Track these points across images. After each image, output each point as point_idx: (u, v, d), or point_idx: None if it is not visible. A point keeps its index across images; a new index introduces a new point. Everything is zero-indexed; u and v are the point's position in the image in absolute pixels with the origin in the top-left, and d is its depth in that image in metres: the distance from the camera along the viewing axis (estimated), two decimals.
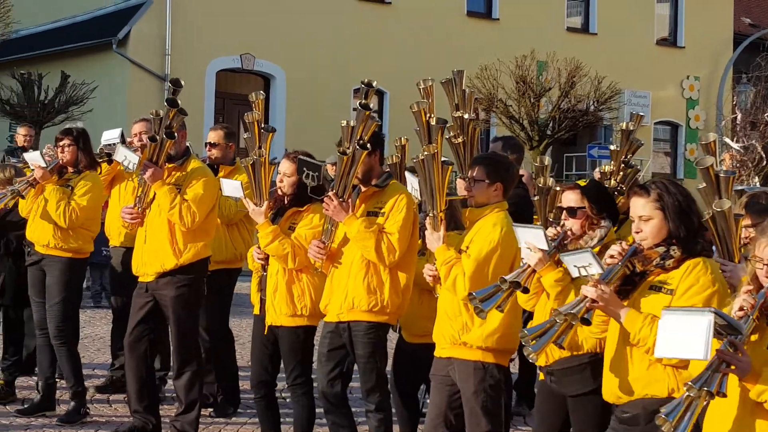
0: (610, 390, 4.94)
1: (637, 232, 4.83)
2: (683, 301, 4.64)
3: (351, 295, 6.62)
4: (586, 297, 4.70)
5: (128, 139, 8.88)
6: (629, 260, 4.78)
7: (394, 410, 7.03)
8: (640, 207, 4.83)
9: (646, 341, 4.60)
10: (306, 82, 27.59)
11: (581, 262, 4.85)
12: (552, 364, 5.59)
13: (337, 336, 6.76)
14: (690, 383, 4.04)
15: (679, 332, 4.13)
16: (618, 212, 5.89)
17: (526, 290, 5.40)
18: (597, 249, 5.32)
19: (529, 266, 5.39)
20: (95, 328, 12.59)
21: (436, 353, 6.25)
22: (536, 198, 6.54)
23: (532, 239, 5.38)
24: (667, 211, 4.79)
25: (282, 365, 7.27)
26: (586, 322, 4.76)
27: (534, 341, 4.87)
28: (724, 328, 4.10)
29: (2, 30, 23.08)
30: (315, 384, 7.16)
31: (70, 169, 8.34)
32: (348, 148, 6.53)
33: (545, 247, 5.34)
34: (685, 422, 4.03)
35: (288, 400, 7.52)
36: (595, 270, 4.79)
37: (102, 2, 27.78)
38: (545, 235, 5.37)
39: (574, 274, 4.94)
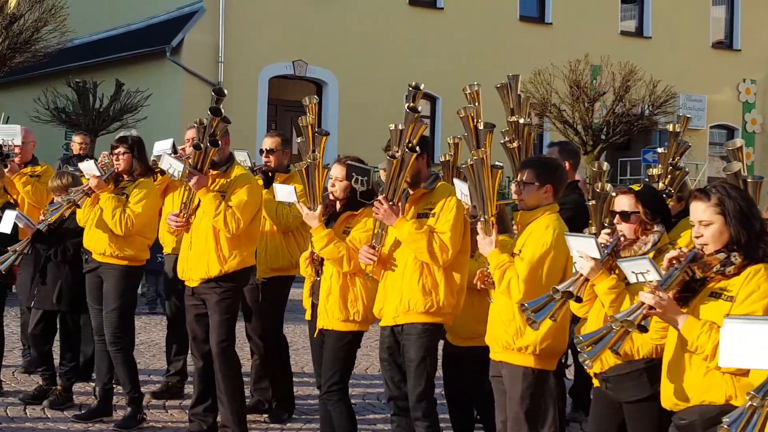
0: (668, 396, 4.88)
1: (697, 237, 4.75)
2: (743, 308, 4.55)
3: (406, 297, 6.60)
4: (644, 304, 4.65)
5: (180, 147, 8.94)
6: (688, 266, 4.71)
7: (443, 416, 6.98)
8: (701, 211, 4.76)
9: (704, 348, 4.54)
10: (358, 88, 27.61)
11: (639, 269, 4.80)
12: (607, 370, 5.54)
13: (395, 340, 6.74)
14: (753, 392, 3.97)
15: (743, 341, 4.07)
16: (671, 217, 5.83)
17: (579, 299, 5.36)
18: (651, 254, 5.27)
19: (582, 275, 5.34)
20: (150, 334, 12.67)
21: (491, 356, 6.23)
22: (592, 203, 6.49)
23: (584, 248, 5.33)
24: (727, 216, 4.71)
25: (322, 367, 7.23)
26: (643, 329, 4.71)
27: (589, 348, 4.82)
28: None
29: (58, 39, 23.31)
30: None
31: (125, 177, 8.40)
32: (397, 152, 6.53)
33: (597, 255, 5.29)
34: None
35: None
36: (653, 276, 4.74)
37: (156, 10, 28.01)
38: (597, 243, 5.31)
39: (632, 280, 4.89)
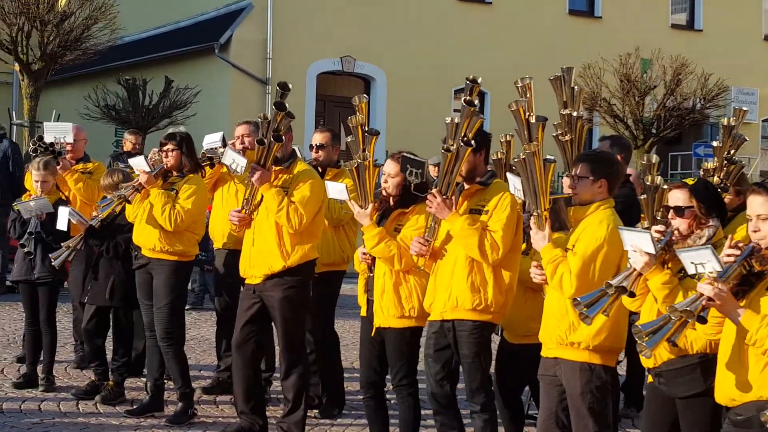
0: (724, 392, 4.82)
1: (755, 231, 4.70)
2: None
3: (455, 293, 6.57)
4: (703, 295, 4.60)
5: (230, 142, 8.96)
6: (746, 260, 4.65)
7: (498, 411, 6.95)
8: (759, 205, 4.70)
9: (763, 342, 4.49)
10: (406, 83, 27.58)
11: (699, 259, 4.73)
12: (660, 365, 5.48)
13: (442, 336, 6.71)
14: None
15: None
16: (726, 211, 5.75)
17: (632, 294, 5.31)
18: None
19: (635, 270, 5.28)
20: (200, 329, 12.73)
21: (543, 353, 6.19)
22: (643, 197, 6.43)
23: (638, 242, 5.26)
24: None
25: (389, 365, 7.24)
26: (702, 320, 4.67)
27: (648, 338, 4.78)
28: None
29: (108, 36, 23.49)
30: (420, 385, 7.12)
31: (175, 174, 8.43)
32: (452, 145, 6.48)
33: (652, 250, 5.22)
34: None
35: (393, 401, 7.48)
36: (713, 267, 4.68)
37: (205, 7, 28.15)
38: (652, 238, 5.24)
39: (690, 271, 4.83)
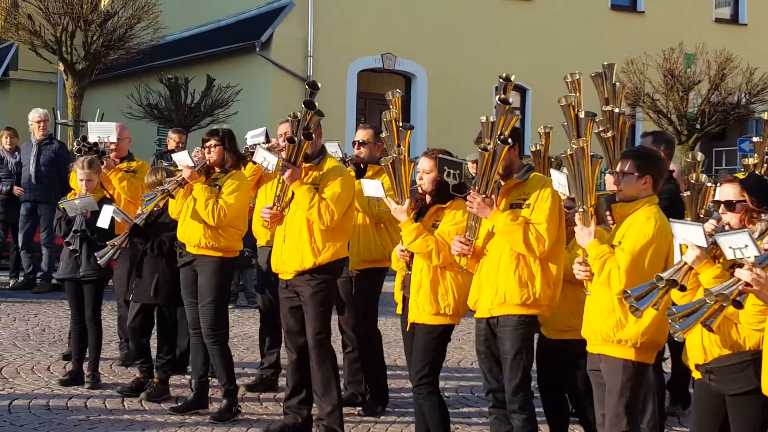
0: None
1: None
2: None
3: (502, 289, 6.53)
4: (740, 280, 4.55)
5: (273, 140, 8.97)
6: None
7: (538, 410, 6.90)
8: None
9: None
10: (447, 80, 27.52)
11: (738, 243, 4.69)
12: (711, 362, 5.44)
13: (492, 332, 6.68)
14: None
15: None
16: None
17: (683, 288, 5.26)
18: (759, 243, 5.14)
19: (686, 263, 5.24)
20: (243, 327, 12.76)
21: (589, 349, 6.14)
22: (687, 194, 6.38)
23: (690, 236, 5.21)
24: None
25: (412, 361, 7.19)
26: (738, 305, 4.64)
27: (681, 320, 4.75)
28: None
29: (151, 36, 23.61)
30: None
31: (217, 170, 8.46)
32: (489, 144, 6.46)
33: (704, 244, 5.17)
34: None
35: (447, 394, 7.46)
36: (752, 252, 4.64)
37: (246, 6, 28.22)
38: (704, 232, 5.19)
39: (729, 255, 4.79)
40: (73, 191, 9.52)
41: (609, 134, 6.67)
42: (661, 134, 8.99)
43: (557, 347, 6.99)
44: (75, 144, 10.06)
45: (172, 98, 24.06)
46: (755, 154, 7.00)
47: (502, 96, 6.54)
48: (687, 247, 5.21)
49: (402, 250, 7.19)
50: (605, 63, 6.82)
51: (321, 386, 7.79)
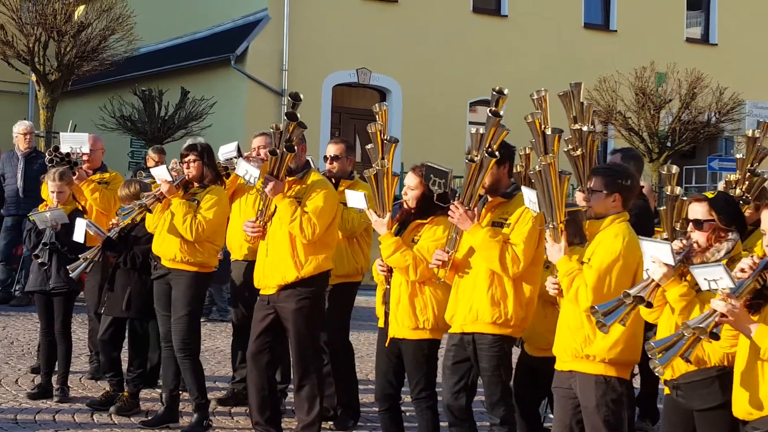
0: (740, 406, 4.83)
1: None
2: None
3: (475, 306, 6.58)
4: (716, 311, 4.60)
5: (245, 153, 8.98)
6: (761, 274, 4.65)
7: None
8: None
9: None
10: (422, 95, 27.59)
11: (712, 276, 4.75)
12: (678, 377, 5.50)
13: (462, 349, 6.72)
14: None
15: None
16: (746, 224, 5.74)
17: (649, 305, 5.32)
18: (724, 262, 5.22)
19: (653, 280, 5.29)
20: (215, 341, 12.74)
21: (557, 366, 6.19)
22: (663, 208, 6.43)
23: (658, 254, 5.28)
24: None
25: (407, 378, 7.24)
26: (715, 336, 4.68)
27: (660, 354, 4.80)
28: None
29: (125, 47, 23.56)
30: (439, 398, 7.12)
31: (195, 184, 8.45)
32: (476, 156, 6.48)
33: (671, 261, 5.24)
34: None
35: (409, 413, 7.48)
36: (725, 284, 4.69)
37: (221, 19, 28.21)
38: (672, 249, 5.25)
39: (704, 287, 4.84)
40: (44, 203, 9.49)
41: (578, 152, 6.72)
42: (629, 151, 9.06)
43: (538, 364, 7.02)
44: (47, 155, 10.02)
45: (145, 110, 24.01)
46: (737, 171, 7.08)
47: (493, 108, 6.57)
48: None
49: (381, 264, 7.20)
50: (572, 82, 6.87)
51: (305, 402, 7.75)
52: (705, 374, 5.39)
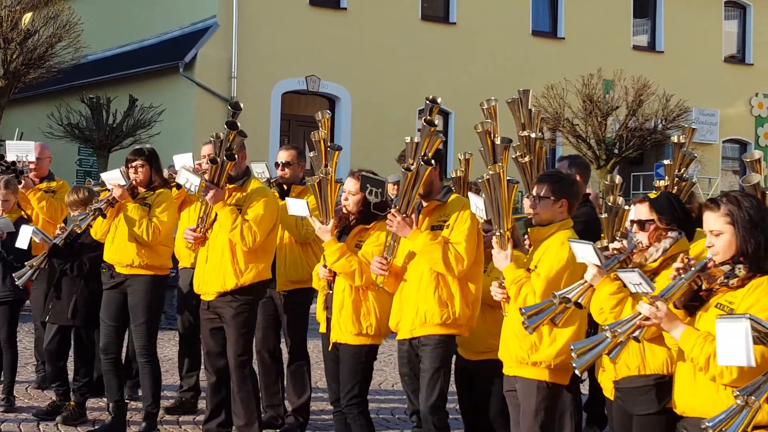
0: (679, 402, 4.88)
1: (709, 247, 4.77)
2: None
3: (422, 309, 6.60)
4: (640, 314, 4.68)
5: (196, 162, 8.95)
6: (697, 276, 4.71)
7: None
8: (711, 221, 4.77)
9: (698, 360, 4.55)
10: (371, 103, 27.67)
11: (633, 280, 4.85)
12: (621, 380, 5.54)
13: (414, 353, 6.73)
14: (738, 392, 4.13)
15: (728, 340, 4.18)
16: (693, 224, 5.80)
17: (579, 305, 5.39)
18: (660, 260, 5.37)
19: (586, 281, 5.38)
20: (163, 349, 12.65)
21: (505, 371, 6.21)
22: (604, 216, 6.48)
23: (585, 254, 5.38)
24: (736, 226, 4.70)
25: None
26: (636, 340, 4.76)
27: (579, 356, 4.87)
28: (764, 336, 4.13)
29: (72, 55, 23.41)
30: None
31: (142, 189, 8.40)
32: (412, 165, 6.53)
33: (597, 262, 5.33)
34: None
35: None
36: (645, 289, 4.78)
37: (169, 26, 28.11)
38: (596, 249, 5.34)
39: (632, 290, 4.96)
40: None
41: (526, 159, 6.76)
42: (577, 158, 9.12)
43: (475, 368, 7.05)
44: None
45: (93, 118, 23.88)
46: (666, 177, 7.16)
47: (428, 117, 6.61)
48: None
49: (325, 268, 7.20)
50: (520, 89, 6.92)
51: (241, 408, 7.78)
52: (643, 381, 5.44)
